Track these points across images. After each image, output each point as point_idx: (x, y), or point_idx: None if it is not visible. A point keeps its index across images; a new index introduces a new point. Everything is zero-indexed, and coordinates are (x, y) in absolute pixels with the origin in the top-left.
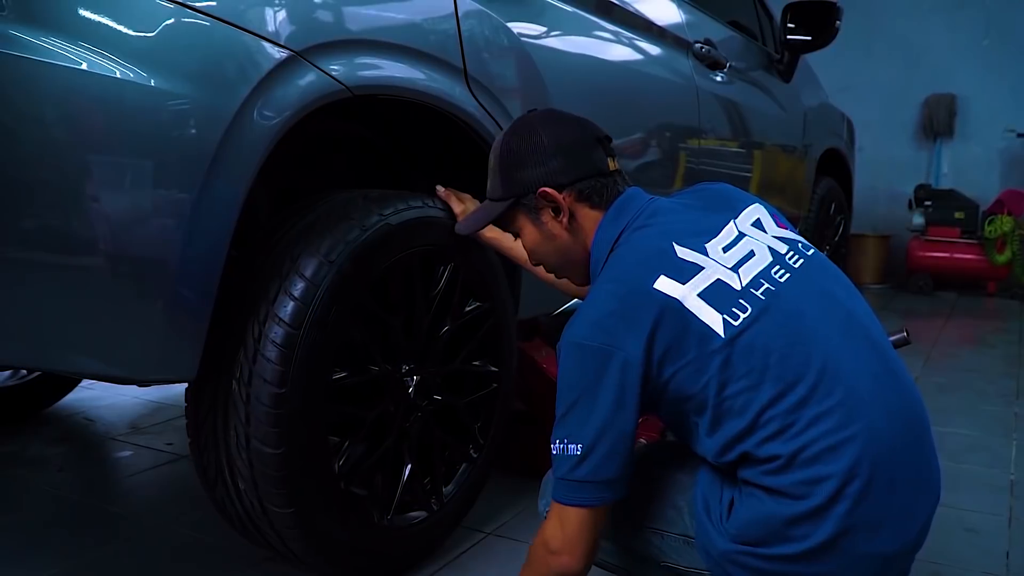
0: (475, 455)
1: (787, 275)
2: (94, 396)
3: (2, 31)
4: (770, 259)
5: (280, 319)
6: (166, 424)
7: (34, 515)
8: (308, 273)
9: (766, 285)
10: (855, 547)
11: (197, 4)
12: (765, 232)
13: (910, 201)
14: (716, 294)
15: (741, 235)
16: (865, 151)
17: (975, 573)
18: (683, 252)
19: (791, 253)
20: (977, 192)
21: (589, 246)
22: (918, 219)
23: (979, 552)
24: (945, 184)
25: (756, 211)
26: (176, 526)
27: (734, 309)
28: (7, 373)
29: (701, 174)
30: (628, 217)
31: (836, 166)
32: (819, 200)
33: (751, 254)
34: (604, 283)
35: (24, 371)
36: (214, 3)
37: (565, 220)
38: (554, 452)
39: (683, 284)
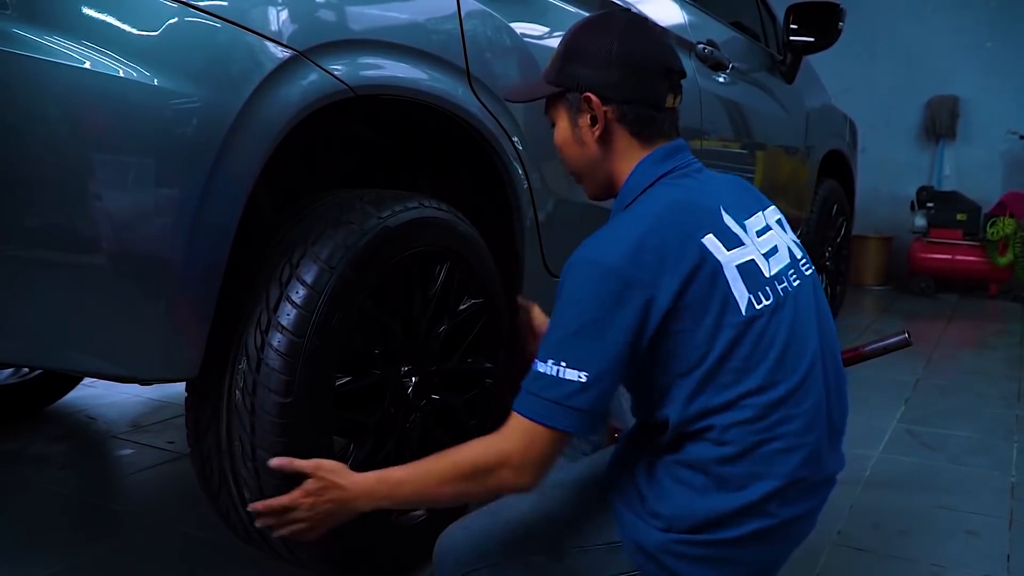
0: None
1: (799, 281)
2: (95, 394)
3: (6, 30)
4: (788, 260)
5: (283, 327)
6: (167, 422)
7: (35, 513)
8: (310, 280)
9: (785, 283)
10: (772, 540)
11: (200, 3)
12: (786, 233)
13: (912, 203)
14: (749, 273)
15: (768, 227)
16: (867, 152)
17: (975, 575)
18: (728, 220)
19: (804, 261)
20: (979, 194)
21: (614, 168)
22: (920, 221)
23: (980, 554)
24: (947, 186)
25: (777, 212)
26: (177, 524)
27: (759, 293)
28: (8, 371)
29: None
30: (676, 163)
31: (838, 167)
32: (821, 201)
33: (776, 249)
34: (647, 212)
35: (25, 369)
36: (217, 3)
37: (598, 133)
38: (542, 371)
39: (727, 251)
